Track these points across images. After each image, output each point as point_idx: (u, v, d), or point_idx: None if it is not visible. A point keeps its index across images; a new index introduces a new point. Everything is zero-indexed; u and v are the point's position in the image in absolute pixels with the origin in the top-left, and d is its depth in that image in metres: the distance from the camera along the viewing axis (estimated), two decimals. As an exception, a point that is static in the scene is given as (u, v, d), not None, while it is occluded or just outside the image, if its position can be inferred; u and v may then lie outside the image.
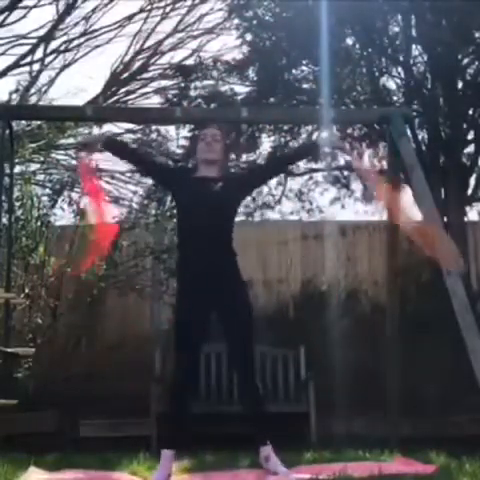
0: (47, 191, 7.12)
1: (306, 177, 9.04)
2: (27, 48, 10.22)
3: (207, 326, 3.62)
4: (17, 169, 6.49)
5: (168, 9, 10.62)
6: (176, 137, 8.81)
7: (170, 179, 3.86)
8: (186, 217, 3.67)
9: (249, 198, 8.57)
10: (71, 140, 9.21)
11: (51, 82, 10.31)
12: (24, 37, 10.17)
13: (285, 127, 8.40)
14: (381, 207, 4.17)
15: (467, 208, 8.03)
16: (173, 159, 8.61)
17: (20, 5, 9.88)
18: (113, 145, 4.04)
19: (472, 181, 7.94)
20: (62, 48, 10.49)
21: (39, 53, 10.30)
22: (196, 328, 3.53)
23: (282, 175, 8.76)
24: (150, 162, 4.29)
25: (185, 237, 3.68)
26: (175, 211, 3.89)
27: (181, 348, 3.56)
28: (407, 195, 4.61)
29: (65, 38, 10.46)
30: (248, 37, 8.20)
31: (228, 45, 9.63)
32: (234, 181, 3.82)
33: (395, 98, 8.14)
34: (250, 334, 3.62)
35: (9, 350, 4.81)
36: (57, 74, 10.42)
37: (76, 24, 10.36)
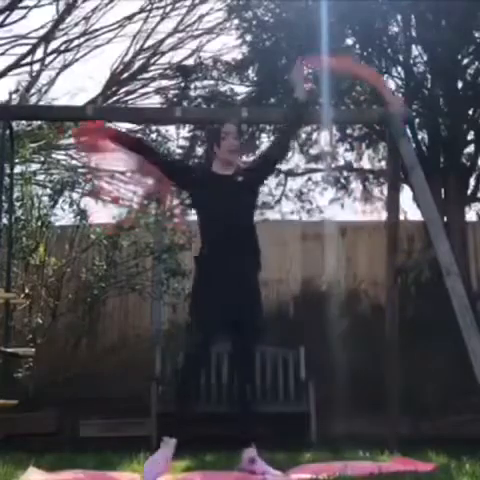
0: (47, 191, 7.11)
1: (306, 177, 9.05)
2: (27, 48, 10.23)
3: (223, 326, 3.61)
4: (17, 169, 6.49)
5: (168, 9, 10.64)
6: (176, 137, 8.82)
7: (189, 178, 3.80)
8: (208, 216, 3.66)
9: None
10: (71, 140, 9.21)
11: (51, 82, 10.34)
12: (24, 37, 10.18)
13: (285, 127, 8.39)
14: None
15: (467, 208, 8.04)
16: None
17: (20, 5, 9.89)
18: (121, 136, 3.98)
19: (472, 181, 7.94)
20: (62, 48, 10.51)
21: (39, 53, 10.33)
22: (212, 328, 3.53)
23: (282, 175, 8.78)
24: (167, 160, 4.23)
25: (208, 236, 3.65)
26: (193, 210, 3.83)
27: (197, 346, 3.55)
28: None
29: (65, 38, 10.49)
30: (248, 37, 8.21)
31: (228, 45, 9.66)
32: (249, 176, 3.78)
33: (395, 98, 8.14)
34: (256, 337, 3.65)
35: (9, 350, 4.80)
36: (57, 74, 10.44)
37: (76, 24, 10.38)
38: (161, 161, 4.04)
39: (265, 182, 3.98)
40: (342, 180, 8.89)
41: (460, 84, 7.74)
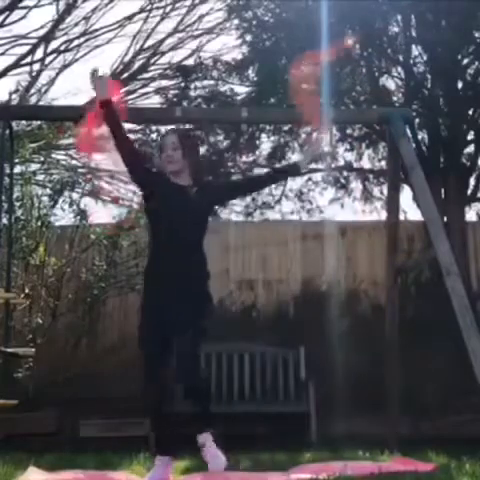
0: (47, 191, 7.12)
1: (306, 177, 9.05)
2: (27, 48, 10.24)
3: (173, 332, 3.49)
4: (17, 169, 6.50)
5: (168, 9, 10.65)
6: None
7: (150, 180, 3.69)
8: (161, 222, 3.59)
9: (249, 198, 8.60)
10: (71, 140, 9.22)
11: (51, 82, 10.36)
12: (24, 37, 10.19)
13: (285, 127, 8.41)
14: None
15: (467, 208, 8.04)
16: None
17: (20, 5, 9.90)
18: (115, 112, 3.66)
19: (472, 181, 7.95)
20: (62, 48, 10.52)
21: (39, 53, 10.34)
22: (162, 337, 3.44)
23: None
24: (139, 154, 4.05)
25: (158, 241, 3.62)
26: (146, 213, 3.72)
27: (149, 354, 3.49)
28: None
29: (65, 38, 10.50)
30: (248, 37, 8.21)
31: (228, 45, 9.68)
32: (206, 191, 3.71)
33: (395, 98, 8.15)
34: (201, 334, 3.50)
35: (9, 350, 4.80)
36: (57, 74, 10.46)
37: (76, 24, 10.39)
38: (130, 149, 3.80)
39: (213, 208, 3.84)
40: (342, 180, 8.90)
41: (460, 84, 7.75)
